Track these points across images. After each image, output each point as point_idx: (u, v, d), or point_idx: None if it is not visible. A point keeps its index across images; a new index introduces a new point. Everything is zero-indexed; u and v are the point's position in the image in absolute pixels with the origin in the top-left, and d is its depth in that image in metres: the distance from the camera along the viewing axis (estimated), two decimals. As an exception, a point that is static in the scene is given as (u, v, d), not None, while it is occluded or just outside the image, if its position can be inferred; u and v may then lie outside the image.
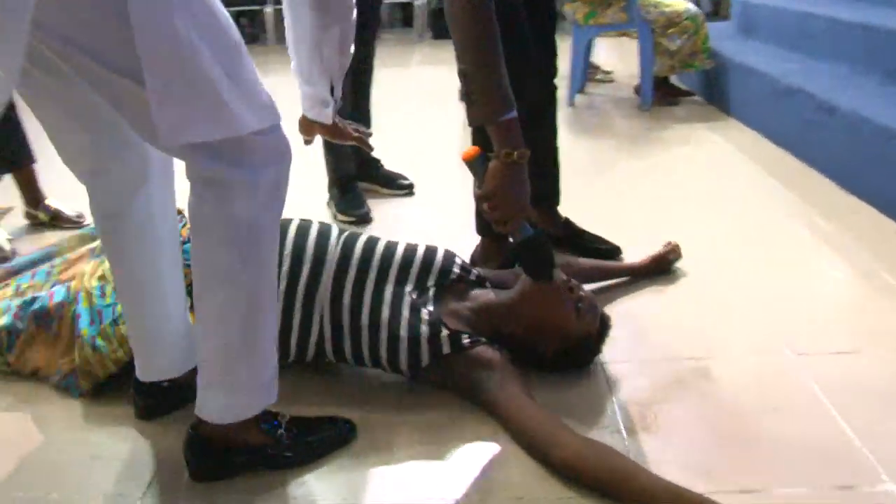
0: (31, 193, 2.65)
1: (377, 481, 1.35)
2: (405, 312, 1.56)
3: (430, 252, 1.69)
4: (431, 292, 1.62)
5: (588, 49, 4.58)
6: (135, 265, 1.41)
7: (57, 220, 2.64)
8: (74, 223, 2.62)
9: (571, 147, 3.39)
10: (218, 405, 1.31)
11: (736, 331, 1.80)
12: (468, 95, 1.51)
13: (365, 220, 2.63)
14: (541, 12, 2.02)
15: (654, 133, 3.63)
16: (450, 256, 1.70)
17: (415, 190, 2.89)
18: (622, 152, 3.37)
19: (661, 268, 2.12)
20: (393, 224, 2.58)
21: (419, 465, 1.39)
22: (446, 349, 1.53)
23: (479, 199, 1.55)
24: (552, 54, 2.14)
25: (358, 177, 2.77)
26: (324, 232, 1.66)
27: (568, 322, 1.59)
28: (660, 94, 4.17)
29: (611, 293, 2.02)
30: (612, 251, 2.23)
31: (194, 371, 1.33)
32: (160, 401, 1.53)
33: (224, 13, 1.13)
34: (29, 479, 1.39)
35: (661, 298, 2.00)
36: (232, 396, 1.31)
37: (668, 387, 1.61)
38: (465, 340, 1.54)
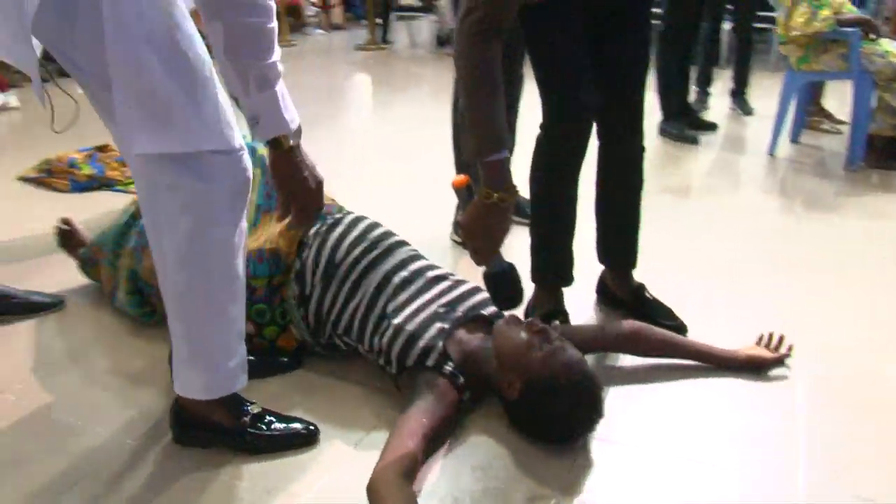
0: None
1: (312, 481, 1.50)
2: (425, 314, 1.70)
3: (476, 288, 1.83)
4: (457, 315, 1.73)
5: (810, 94, 4.24)
6: None
7: None
8: None
9: (728, 199, 3.23)
10: (184, 382, 1.53)
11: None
12: (468, 131, 1.60)
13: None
14: (616, 48, 1.90)
15: (840, 198, 3.29)
16: (488, 301, 1.77)
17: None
18: (787, 214, 3.12)
19: (754, 367, 1.89)
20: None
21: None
22: (430, 362, 1.63)
23: (459, 226, 1.58)
24: (632, 105, 1.97)
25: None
26: (395, 237, 1.90)
27: (517, 350, 1.58)
28: (875, 156, 3.74)
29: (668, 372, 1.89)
30: (677, 328, 2.05)
31: None
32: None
33: (192, 43, 1.29)
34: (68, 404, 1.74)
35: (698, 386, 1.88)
36: (195, 376, 1.51)
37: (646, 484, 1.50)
38: (433, 363, 1.63)
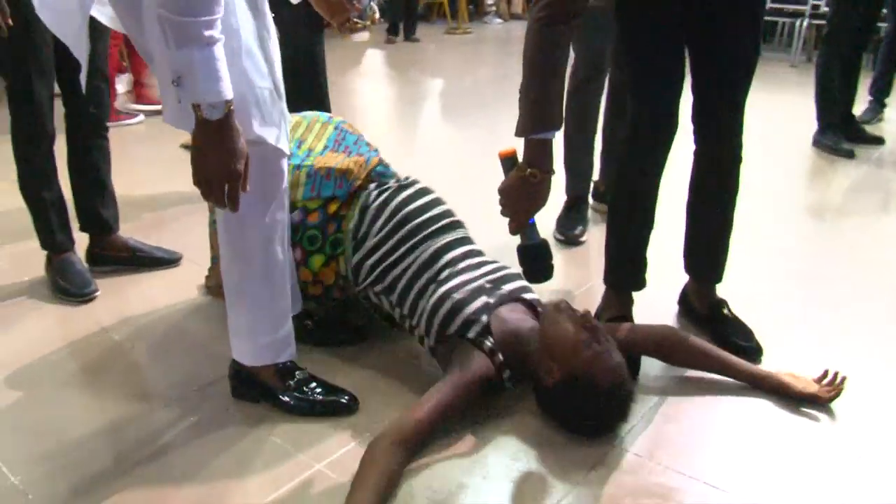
0: None
1: (342, 447, 1.62)
2: (472, 286, 1.77)
3: (520, 274, 1.86)
4: (501, 293, 1.78)
5: None
6: None
7: None
8: None
9: (869, 224, 2.99)
10: (236, 348, 1.74)
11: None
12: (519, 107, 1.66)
13: (573, 242, 2.74)
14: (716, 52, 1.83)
15: None
16: (529, 287, 1.85)
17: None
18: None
19: (786, 394, 1.78)
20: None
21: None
22: (471, 334, 1.68)
23: (498, 193, 1.71)
24: (730, 107, 1.88)
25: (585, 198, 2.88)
26: (456, 217, 1.97)
27: (565, 343, 1.59)
28: None
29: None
30: (751, 351, 1.95)
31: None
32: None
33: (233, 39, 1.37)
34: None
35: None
36: (243, 346, 1.72)
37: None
38: (474, 335, 1.68)
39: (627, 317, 2.06)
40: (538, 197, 1.67)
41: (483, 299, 1.74)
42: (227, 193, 1.34)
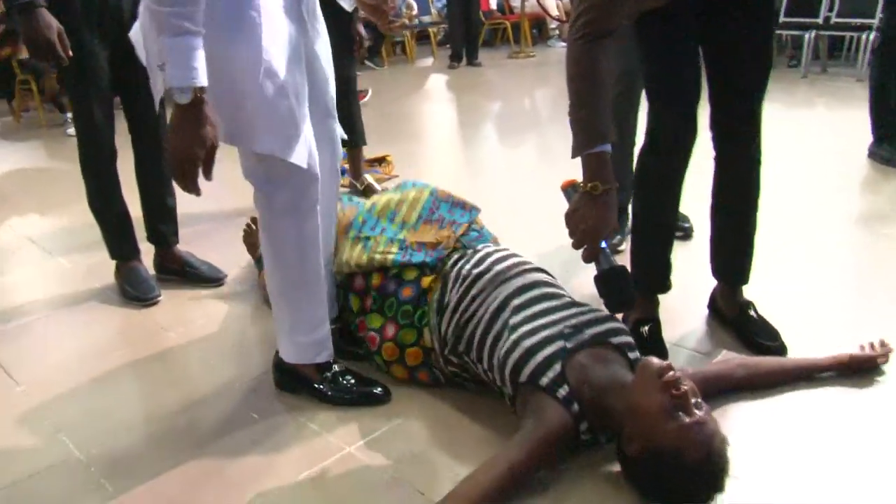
0: (356, 168, 3.56)
1: (373, 432, 1.73)
2: (547, 332, 1.63)
3: (609, 316, 1.72)
4: (582, 337, 1.63)
5: None
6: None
7: (368, 191, 3.52)
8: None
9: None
10: (280, 345, 1.89)
11: None
12: (570, 127, 1.68)
13: (612, 251, 2.77)
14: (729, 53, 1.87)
15: None
16: (623, 329, 1.71)
17: (693, 234, 2.91)
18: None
19: (859, 366, 1.85)
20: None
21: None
22: (544, 381, 1.54)
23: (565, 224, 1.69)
24: (747, 114, 1.91)
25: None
26: (534, 265, 1.88)
27: (651, 411, 1.40)
28: None
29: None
30: (776, 350, 1.98)
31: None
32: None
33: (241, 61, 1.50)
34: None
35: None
36: (284, 344, 1.87)
37: None
38: (547, 383, 1.54)
39: (653, 318, 2.11)
40: (606, 214, 1.64)
41: (559, 344, 1.60)
42: (185, 174, 1.42)
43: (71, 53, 2.14)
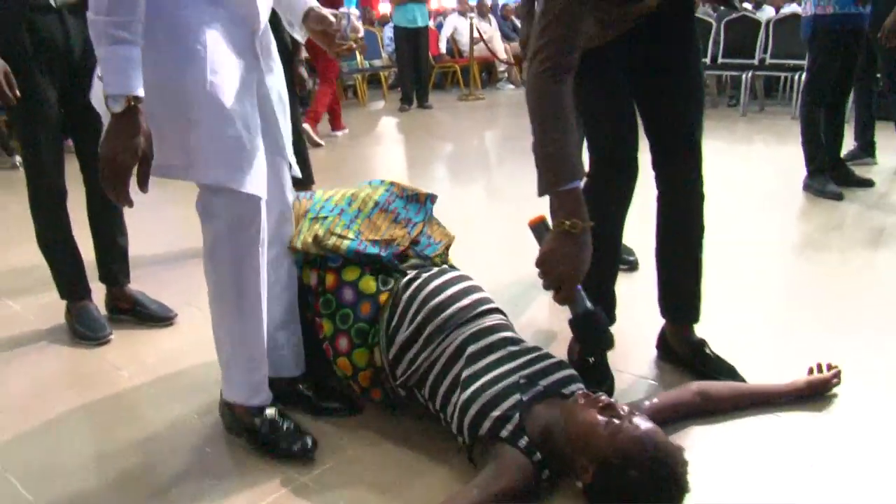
0: None
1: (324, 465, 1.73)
2: (503, 384, 1.63)
3: (561, 363, 1.74)
4: (536, 389, 1.64)
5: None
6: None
7: None
8: None
9: (844, 258, 3.10)
10: (223, 383, 1.84)
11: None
12: (536, 165, 1.63)
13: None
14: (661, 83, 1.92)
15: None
16: (573, 377, 1.71)
17: (639, 266, 2.99)
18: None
19: (816, 390, 1.92)
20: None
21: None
22: (504, 433, 1.55)
23: (536, 265, 1.63)
24: (686, 151, 1.95)
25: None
26: (491, 304, 1.86)
27: (585, 429, 1.46)
28: None
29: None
30: None
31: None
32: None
33: (195, 87, 1.51)
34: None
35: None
36: (224, 382, 1.83)
37: None
38: (507, 434, 1.56)
39: None
40: (582, 253, 1.59)
41: (515, 397, 1.60)
42: (114, 184, 1.42)
43: (18, 93, 2.14)
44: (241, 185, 1.58)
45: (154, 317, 2.63)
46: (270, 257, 1.81)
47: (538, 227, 1.67)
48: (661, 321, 2.21)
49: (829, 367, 1.98)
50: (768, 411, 1.88)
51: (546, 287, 1.65)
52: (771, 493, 1.59)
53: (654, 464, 1.39)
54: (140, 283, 2.75)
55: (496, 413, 1.58)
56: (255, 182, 1.62)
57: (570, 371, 1.72)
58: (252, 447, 1.80)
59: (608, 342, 1.66)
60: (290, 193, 1.92)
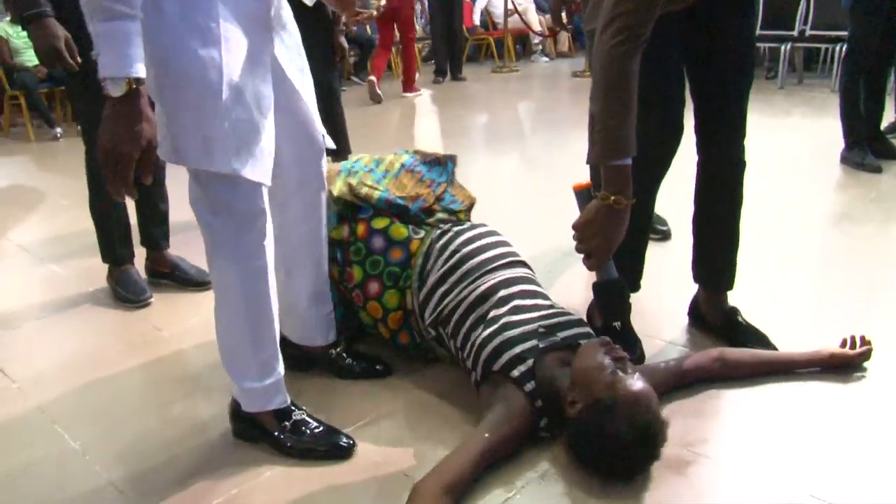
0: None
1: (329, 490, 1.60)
2: (526, 328, 1.71)
3: (580, 320, 1.80)
4: (554, 339, 1.71)
5: None
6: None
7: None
8: None
9: (880, 232, 3.07)
10: (237, 394, 1.71)
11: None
12: (591, 135, 1.65)
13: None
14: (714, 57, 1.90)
15: None
16: (588, 335, 1.75)
17: (671, 236, 2.99)
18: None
19: (839, 364, 1.91)
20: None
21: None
22: (515, 373, 1.63)
23: (574, 228, 1.68)
24: (729, 119, 1.94)
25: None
26: (518, 257, 1.96)
27: (590, 368, 1.54)
28: None
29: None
30: None
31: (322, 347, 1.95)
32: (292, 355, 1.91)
33: (203, 67, 1.38)
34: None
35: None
36: (240, 393, 1.70)
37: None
38: (518, 375, 1.63)
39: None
40: (622, 226, 1.64)
41: (533, 342, 1.68)
42: (115, 175, 1.29)
43: (80, 60, 2.18)
44: (252, 172, 1.48)
45: (192, 281, 2.69)
46: (302, 232, 1.82)
47: (582, 193, 1.71)
48: (693, 290, 2.22)
49: (863, 341, 1.95)
50: (792, 378, 1.89)
51: (578, 251, 1.69)
52: (784, 460, 1.61)
53: (639, 422, 1.46)
54: (179, 249, 2.82)
55: (514, 352, 1.65)
56: (264, 169, 1.52)
57: (589, 330, 1.78)
58: (281, 453, 1.70)
59: (625, 312, 1.69)
60: (325, 167, 1.84)
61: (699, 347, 2.09)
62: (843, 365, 1.91)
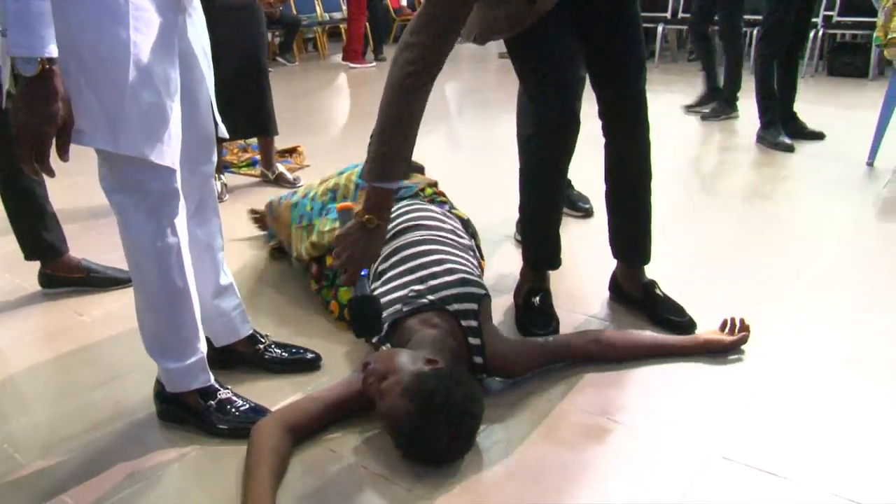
0: (267, 158, 3.61)
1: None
2: (395, 295, 1.86)
3: (465, 280, 1.86)
4: (422, 302, 1.81)
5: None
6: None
7: (279, 180, 3.66)
8: (291, 184, 3.56)
9: (789, 204, 3.20)
10: (159, 373, 1.70)
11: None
12: (368, 153, 1.68)
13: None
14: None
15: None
16: (469, 295, 1.82)
17: (594, 213, 3.04)
18: (857, 225, 3.05)
19: (713, 350, 1.95)
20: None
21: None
22: (375, 340, 1.81)
23: (331, 244, 1.74)
24: (631, 99, 2.00)
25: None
26: (426, 220, 2.11)
27: (376, 404, 1.57)
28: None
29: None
30: (685, 326, 2.08)
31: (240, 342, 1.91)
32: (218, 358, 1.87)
33: (114, 50, 1.35)
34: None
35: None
36: (162, 373, 1.68)
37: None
38: (375, 341, 1.81)
39: (543, 289, 2.20)
40: (373, 245, 1.70)
41: (397, 307, 1.82)
42: (35, 156, 1.29)
43: None
44: (161, 157, 1.45)
45: (118, 280, 2.48)
46: (194, 225, 1.73)
47: (343, 213, 1.76)
48: (614, 265, 2.29)
49: (743, 325, 1.99)
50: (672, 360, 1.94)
51: (336, 267, 1.74)
52: (695, 425, 1.69)
53: (417, 416, 1.49)
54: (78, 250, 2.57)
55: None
56: (172, 153, 1.49)
57: (470, 289, 1.84)
58: (208, 433, 1.69)
59: (377, 329, 1.72)
60: (214, 155, 1.76)
61: (620, 321, 2.18)
62: (720, 351, 1.95)
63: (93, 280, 2.48)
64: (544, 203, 2.14)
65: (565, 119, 1.96)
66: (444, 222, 2.14)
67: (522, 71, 2.00)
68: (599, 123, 2.07)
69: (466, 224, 2.29)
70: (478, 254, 2.25)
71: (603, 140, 2.10)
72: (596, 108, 2.04)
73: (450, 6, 1.60)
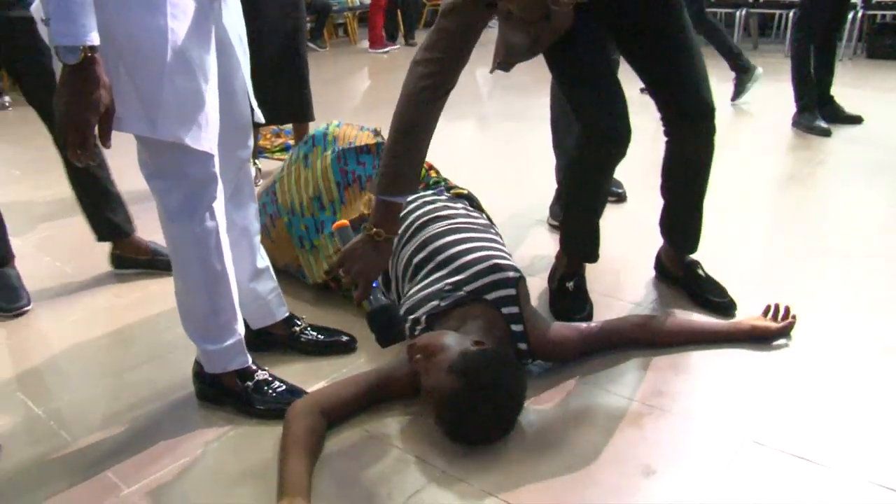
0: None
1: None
2: (427, 292, 1.83)
3: (495, 266, 1.81)
4: (459, 294, 1.79)
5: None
6: None
7: None
8: None
9: (820, 191, 3.15)
10: (198, 354, 1.74)
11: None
12: (380, 164, 1.67)
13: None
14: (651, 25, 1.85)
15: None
16: (502, 282, 1.78)
17: (626, 198, 3.05)
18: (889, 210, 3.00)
19: (758, 337, 1.92)
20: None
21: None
22: (416, 333, 1.78)
23: (339, 259, 1.69)
24: (698, 106, 1.88)
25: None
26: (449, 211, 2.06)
27: (422, 380, 1.60)
28: None
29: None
30: (726, 307, 2.07)
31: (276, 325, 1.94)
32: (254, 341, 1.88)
33: (151, 35, 1.37)
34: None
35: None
36: (201, 355, 1.72)
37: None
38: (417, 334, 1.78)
39: (578, 274, 2.20)
40: (381, 258, 1.67)
41: (434, 303, 1.80)
42: (78, 143, 1.30)
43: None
44: (198, 142, 1.48)
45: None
46: (230, 208, 1.74)
47: (342, 231, 1.74)
48: (649, 250, 2.31)
49: (787, 313, 1.97)
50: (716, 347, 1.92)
51: (345, 283, 1.76)
52: (729, 411, 1.68)
53: (455, 399, 1.51)
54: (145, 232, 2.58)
55: (413, 316, 1.80)
56: (210, 138, 1.51)
57: (504, 274, 1.79)
58: (247, 414, 1.72)
59: (399, 335, 1.69)
60: (251, 140, 1.79)
61: (654, 305, 2.17)
62: (765, 338, 1.92)
63: (158, 263, 2.50)
64: (592, 203, 2.10)
65: (606, 132, 1.87)
66: (455, 208, 2.08)
67: (565, 92, 1.94)
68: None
69: (471, 199, 2.24)
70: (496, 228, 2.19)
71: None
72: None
73: (463, 21, 1.58)
